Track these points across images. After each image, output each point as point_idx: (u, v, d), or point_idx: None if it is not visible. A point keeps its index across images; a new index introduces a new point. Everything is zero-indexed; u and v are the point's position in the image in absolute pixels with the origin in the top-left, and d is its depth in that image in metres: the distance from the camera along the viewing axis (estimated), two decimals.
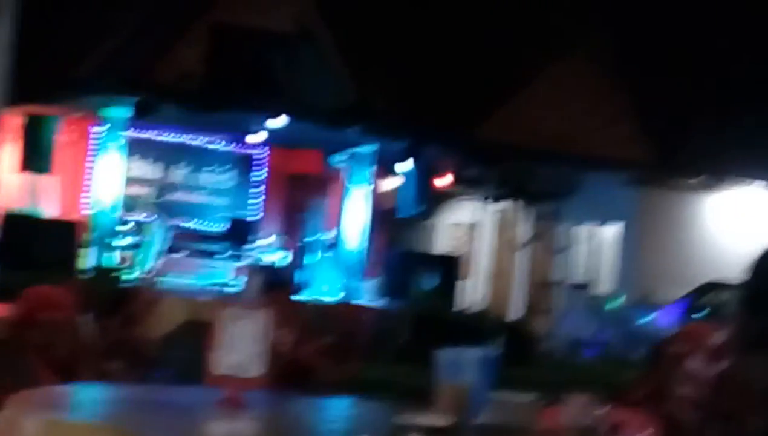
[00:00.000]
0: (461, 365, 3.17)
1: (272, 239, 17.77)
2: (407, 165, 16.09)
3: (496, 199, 18.07)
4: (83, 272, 13.20)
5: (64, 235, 14.03)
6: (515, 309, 17.95)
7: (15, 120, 13.72)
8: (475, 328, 11.68)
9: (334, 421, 3.53)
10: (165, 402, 3.40)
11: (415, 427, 2.77)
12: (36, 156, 14.59)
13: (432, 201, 17.62)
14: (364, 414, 3.76)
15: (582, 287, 16.26)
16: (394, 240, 18.94)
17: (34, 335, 4.74)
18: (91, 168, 16.40)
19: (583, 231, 16.63)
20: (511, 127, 15.12)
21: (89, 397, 3.44)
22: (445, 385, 3.17)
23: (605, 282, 16.94)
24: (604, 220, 17.03)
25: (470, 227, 19.27)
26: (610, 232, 17.17)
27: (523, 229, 18.42)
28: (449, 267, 16.40)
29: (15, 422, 2.64)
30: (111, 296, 10.95)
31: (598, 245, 17.26)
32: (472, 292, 17.79)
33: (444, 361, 3.20)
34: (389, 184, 17.87)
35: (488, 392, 3.29)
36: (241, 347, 3.26)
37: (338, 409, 3.79)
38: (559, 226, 17.41)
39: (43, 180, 15.98)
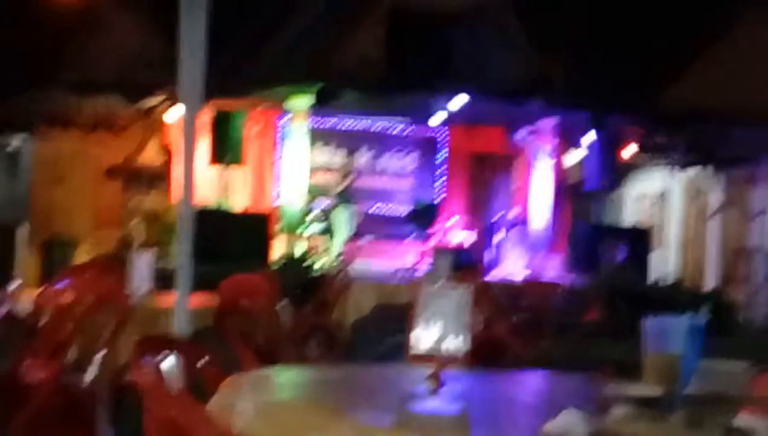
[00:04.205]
0: (669, 333, 3.07)
1: (457, 219, 17.82)
2: (591, 137, 15.85)
3: (686, 165, 17.57)
4: (275, 262, 13.51)
5: (255, 227, 14.41)
6: (710, 279, 17.45)
7: (205, 115, 14.14)
8: (672, 299, 11.41)
9: (539, 394, 3.49)
10: (367, 382, 3.42)
11: (625, 398, 2.69)
12: (226, 149, 15.05)
13: (618, 172, 17.28)
14: (569, 387, 3.70)
15: None
16: (581, 214, 18.68)
17: (236, 322, 4.87)
18: (277, 158, 16.82)
19: None
20: (698, 89, 14.57)
21: (293, 379, 3.49)
22: (654, 354, 3.07)
23: None
24: None
25: (659, 196, 18.80)
26: None
27: (715, 195, 17.86)
28: (640, 239, 16.07)
29: (229, 405, 2.71)
30: (303, 284, 11.22)
31: None
32: (665, 263, 17.37)
33: (652, 330, 3.11)
34: (574, 157, 17.64)
35: (698, 361, 3.18)
36: (442, 325, 3.25)
37: (540, 383, 3.73)
38: (755, 190, 16.78)
39: (233, 172, 16.48)
